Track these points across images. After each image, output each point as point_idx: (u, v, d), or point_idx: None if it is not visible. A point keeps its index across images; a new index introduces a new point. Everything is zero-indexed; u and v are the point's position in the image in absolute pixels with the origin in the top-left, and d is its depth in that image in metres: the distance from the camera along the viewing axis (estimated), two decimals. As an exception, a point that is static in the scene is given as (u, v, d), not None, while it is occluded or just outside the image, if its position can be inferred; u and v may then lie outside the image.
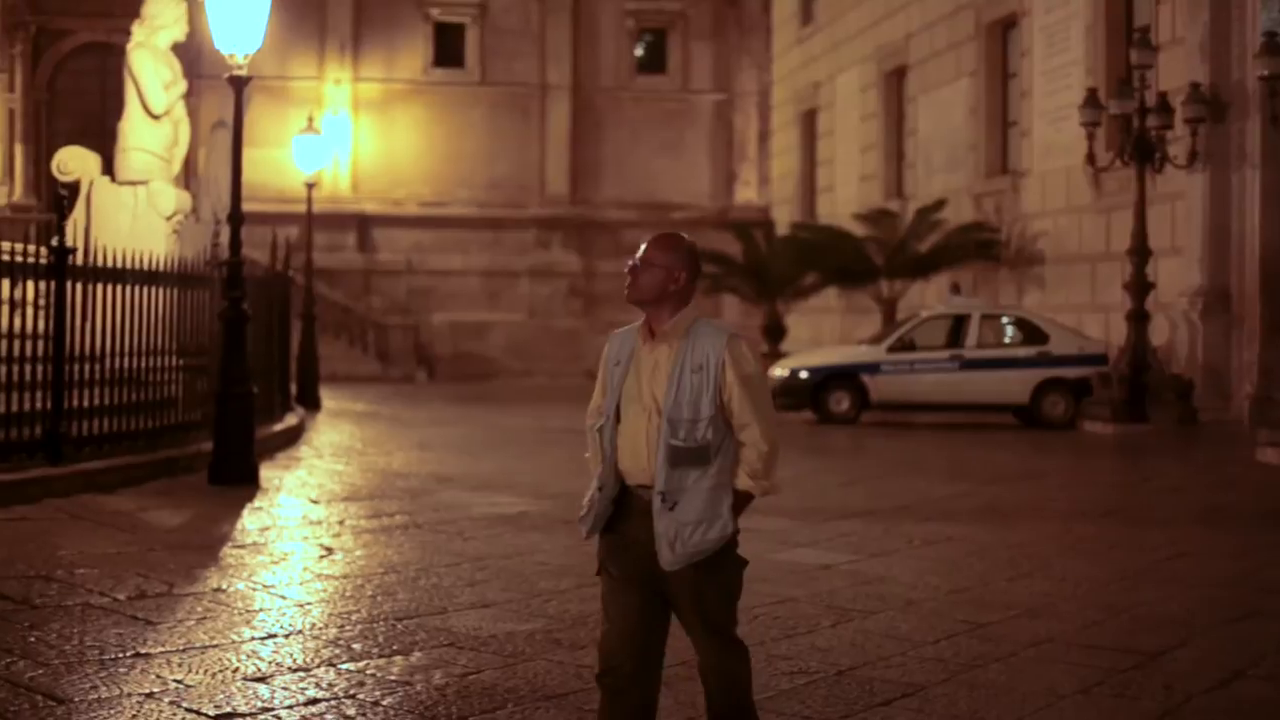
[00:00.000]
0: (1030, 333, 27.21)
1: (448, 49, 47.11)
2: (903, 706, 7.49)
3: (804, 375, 27.64)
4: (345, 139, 45.70)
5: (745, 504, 5.82)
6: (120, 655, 8.24)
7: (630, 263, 5.81)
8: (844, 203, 40.92)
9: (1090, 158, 27.30)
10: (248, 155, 17.07)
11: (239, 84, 16.07)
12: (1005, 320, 27.99)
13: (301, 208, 32.53)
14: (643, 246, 5.84)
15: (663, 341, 5.78)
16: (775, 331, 37.85)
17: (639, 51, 48.62)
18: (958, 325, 27.31)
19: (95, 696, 7.40)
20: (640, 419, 5.77)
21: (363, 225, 45.83)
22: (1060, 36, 31.23)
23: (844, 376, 27.23)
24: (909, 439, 25.10)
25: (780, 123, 47.68)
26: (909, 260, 33.71)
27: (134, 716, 7.06)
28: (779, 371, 28.01)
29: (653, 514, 5.71)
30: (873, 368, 27.01)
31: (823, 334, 40.81)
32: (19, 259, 14.94)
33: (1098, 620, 9.66)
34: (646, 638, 5.89)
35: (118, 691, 7.50)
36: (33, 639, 8.56)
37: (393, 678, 7.90)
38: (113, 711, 7.15)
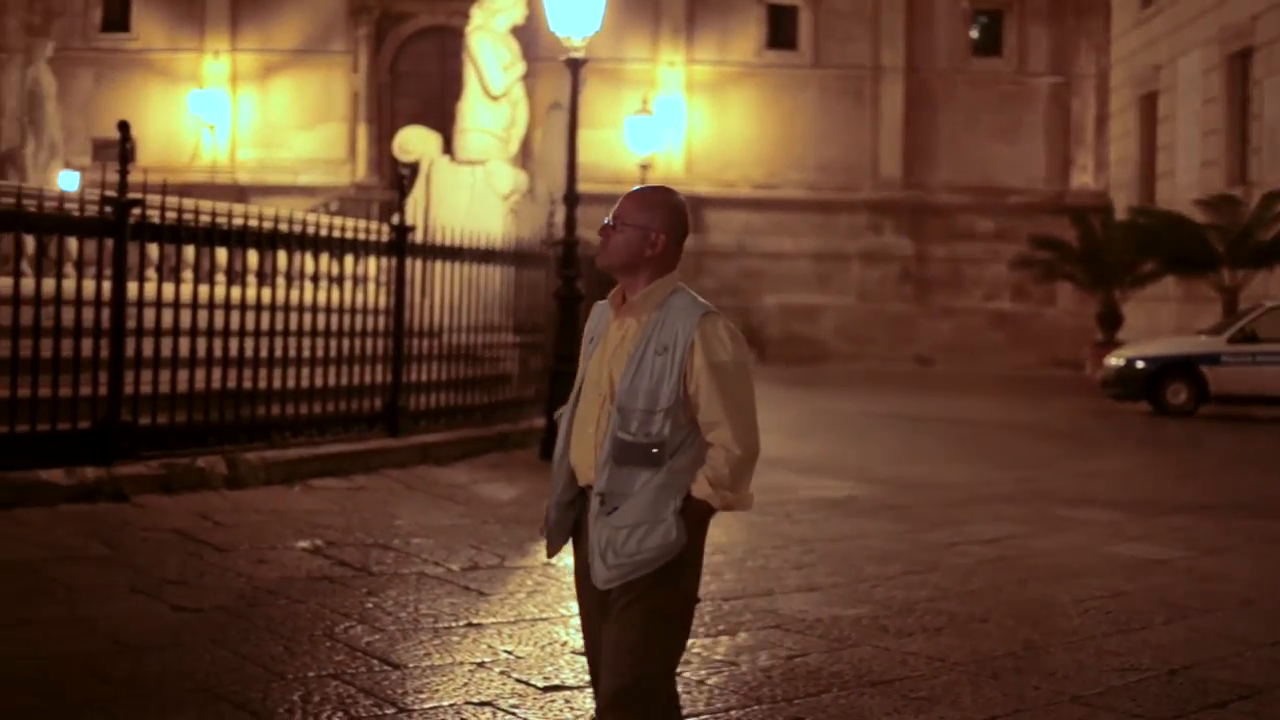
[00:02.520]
0: (1385, 325, 26.09)
1: (781, 31, 47.05)
2: (1238, 710, 7.23)
3: (1140, 365, 26.97)
4: (678, 121, 45.98)
5: (701, 515, 4.79)
6: (453, 624, 8.41)
7: (604, 221, 4.96)
8: (1184, 188, 39.73)
9: None
10: (582, 136, 17.26)
11: (575, 66, 16.28)
12: (1360, 312, 26.85)
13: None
14: (618, 202, 4.99)
15: (631, 314, 4.91)
16: (1110, 320, 37.02)
17: (974, 33, 47.91)
18: (1306, 317, 26.34)
19: (429, 664, 7.56)
20: (593, 405, 4.89)
21: (694, 207, 46.01)
22: None
23: (1182, 367, 26.49)
24: (1249, 434, 24.31)
25: (1118, 106, 46.52)
26: (1253, 249, 32.56)
27: (465, 685, 7.19)
28: (1114, 360, 27.39)
29: (588, 521, 4.84)
30: (1213, 358, 26.20)
31: (1159, 323, 39.73)
32: (361, 236, 15.35)
33: None
34: None
35: (450, 659, 7.65)
36: (370, 605, 8.79)
37: (718, 657, 7.91)
38: (445, 679, 7.30)
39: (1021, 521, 13.08)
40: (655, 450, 4.74)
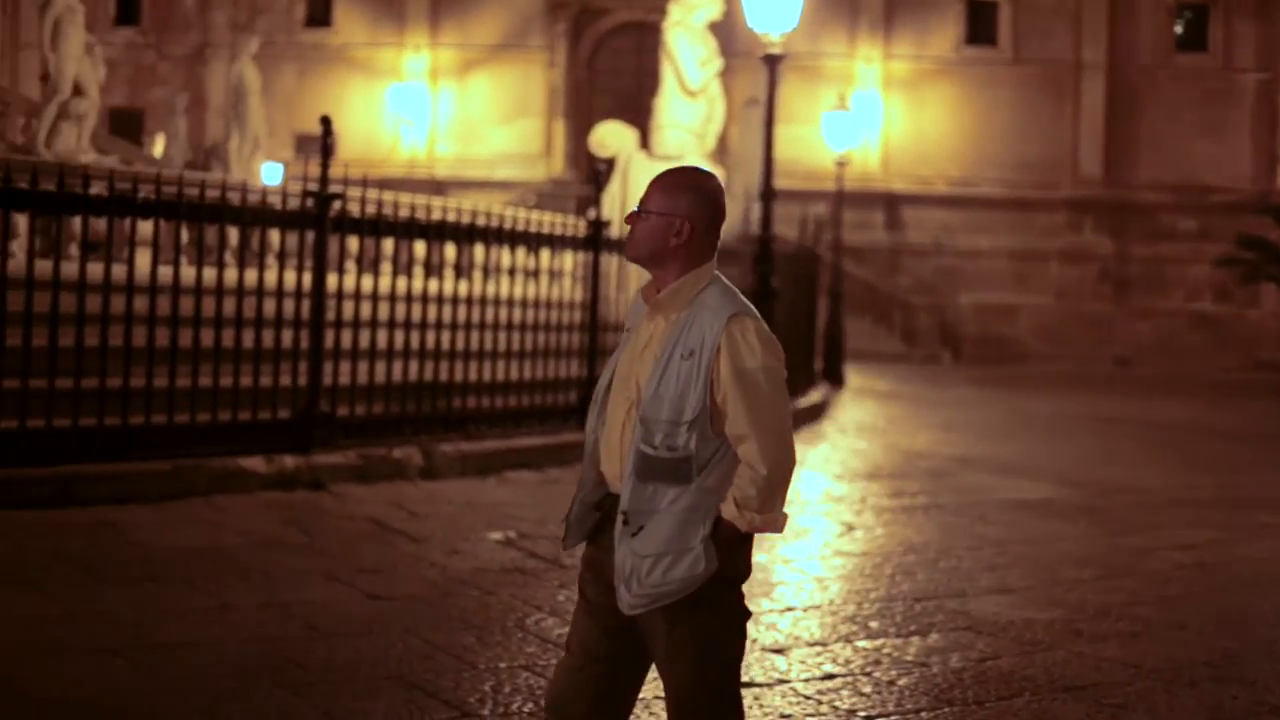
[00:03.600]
0: None
1: (980, 26, 46.53)
2: None
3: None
4: (874, 117, 45.68)
5: (732, 540, 4.44)
6: (643, 619, 8.41)
7: (633, 209, 4.63)
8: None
9: None
10: (778, 132, 17.22)
11: (772, 62, 16.24)
12: None
13: (830, 185, 32.68)
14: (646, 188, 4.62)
15: (660, 312, 4.54)
16: (1317, 322, 36.14)
17: (1178, 29, 47.01)
18: None
19: (613, 656, 7.57)
20: (620, 409, 4.57)
21: (890, 204, 45.72)
22: None
23: None
24: None
25: (1329, 103, 45.42)
26: None
27: (656, 678, 7.18)
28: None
29: (614, 535, 4.55)
30: None
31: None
32: (558, 231, 15.44)
33: None
34: (608, 685, 4.68)
35: (640, 654, 7.66)
36: (561, 598, 8.83)
37: (909, 658, 7.84)
38: (635, 673, 7.31)
39: (1222, 527, 12.81)
40: (683, 466, 4.40)
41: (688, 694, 4.53)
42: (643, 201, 4.55)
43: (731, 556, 4.47)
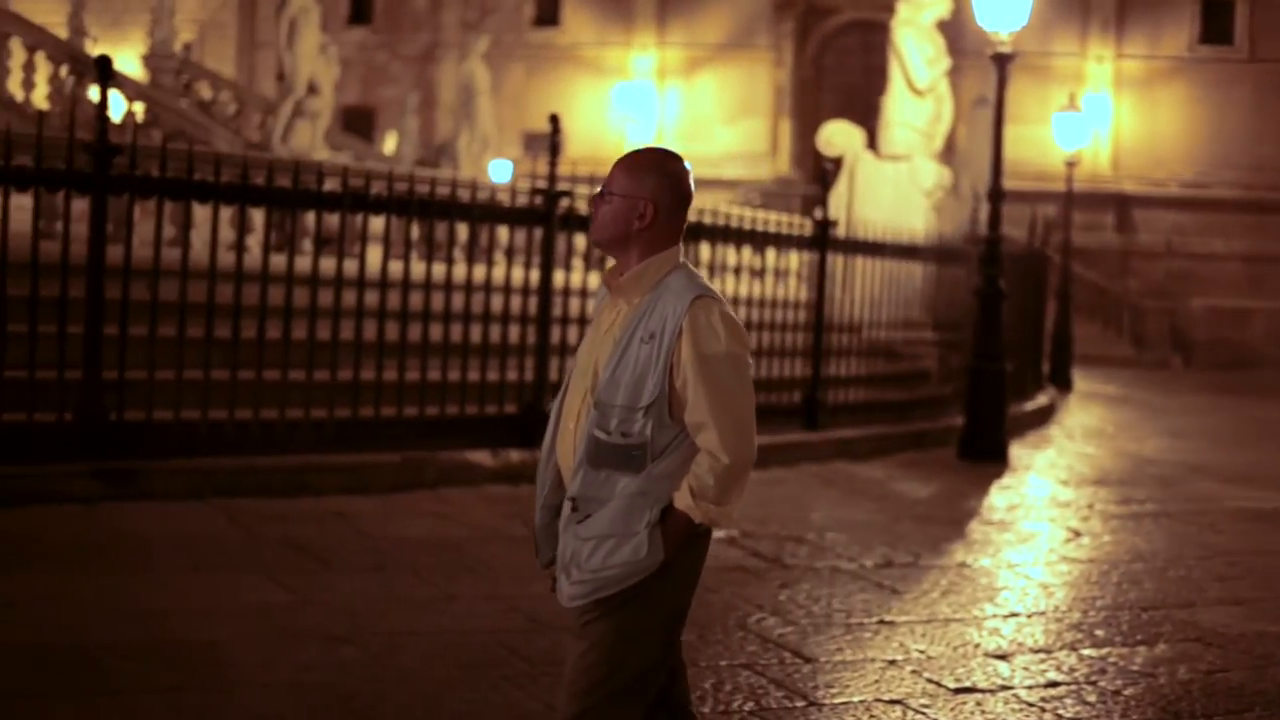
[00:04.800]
0: None
1: (1215, 25, 45.51)
2: None
3: None
4: (1105, 117, 44.92)
5: (682, 531, 4.21)
6: (865, 621, 8.39)
7: (597, 191, 4.43)
8: None
9: None
10: (1007, 132, 17.00)
11: (1001, 61, 16.05)
12: None
13: (1059, 186, 32.21)
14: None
15: (622, 296, 4.34)
16: None
17: None
18: None
19: (840, 659, 7.56)
20: (577, 398, 4.38)
21: (1121, 205, 44.90)
22: None
23: None
24: None
25: None
26: None
27: (876, 682, 7.16)
28: None
29: (559, 528, 4.37)
30: None
31: None
32: (783, 230, 15.42)
33: None
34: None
35: (861, 656, 7.63)
36: (783, 597, 8.83)
37: (1135, 668, 7.71)
38: (855, 674, 7.29)
39: None
40: (636, 453, 4.20)
41: (583, 688, 4.27)
42: (605, 183, 4.36)
43: (682, 550, 4.25)
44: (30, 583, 8.18)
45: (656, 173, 4.32)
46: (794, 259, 16.36)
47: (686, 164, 4.43)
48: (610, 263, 4.46)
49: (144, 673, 6.70)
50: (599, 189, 4.39)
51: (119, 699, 6.37)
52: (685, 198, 4.37)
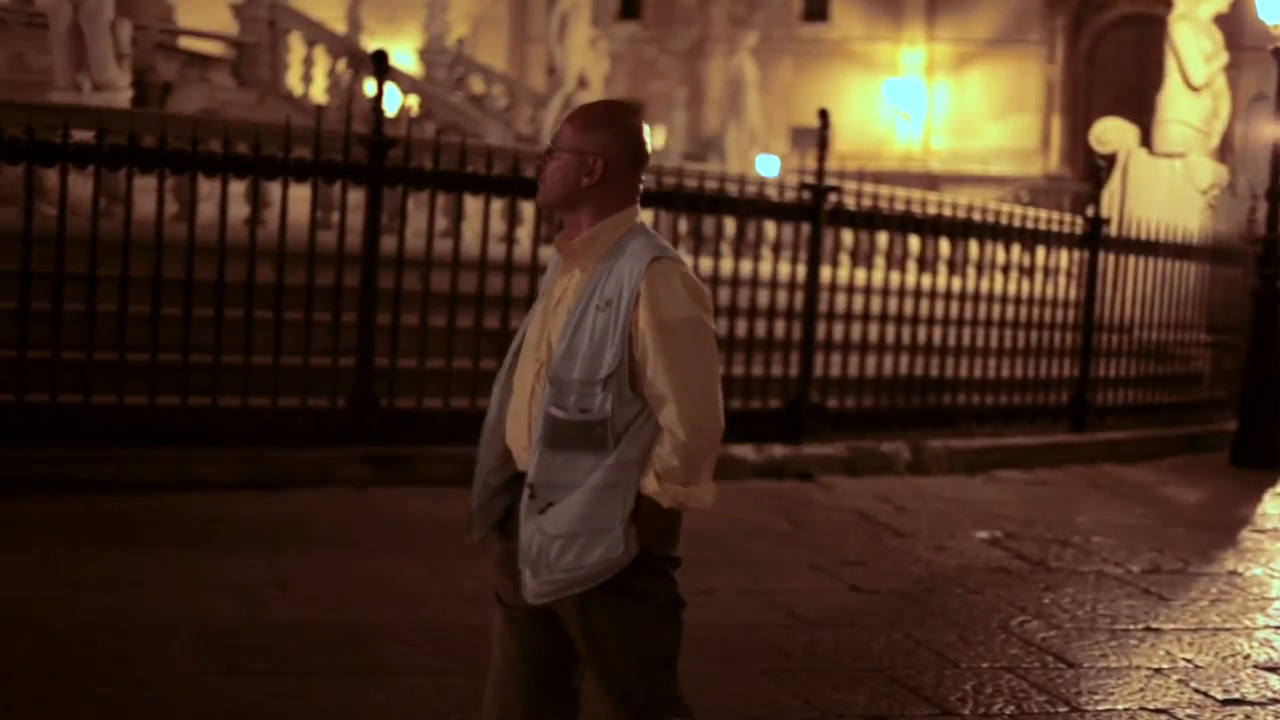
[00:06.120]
0: None
1: None
2: None
3: None
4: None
5: (654, 518, 3.95)
6: (1130, 627, 8.24)
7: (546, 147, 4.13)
8: None
9: None
10: (1291, 130, 16.52)
11: (1283, 56, 15.62)
12: None
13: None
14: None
15: (575, 262, 4.06)
16: None
17: None
18: None
19: (1104, 665, 7.43)
20: (529, 373, 4.10)
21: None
22: None
23: None
24: None
25: None
26: None
27: (1140, 690, 7.03)
28: None
29: (519, 514, 4.06)
30: None
31: None
32: (1053, 228, 15.20)
33: None
34: (538, 701, 4.24)
35: (1126, 663, 7.50)
36: (1046, 601, 8.71)
37: None
38: (1120, 681, 7.16)
39: None
40: (598, 430, 3.91)
41: (627, 686, 4.08)
42: (554, 139, 4.08)
43: (654, 537, 4.01)
44: (302, 563, 8.42)
45: (607, 126, 4.03)
46: (1064, 257, 16.11)
47: (643, 119, 4.16)
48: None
49: (409, 654, 6.85)
50: (548, 146, 4.12)
51: (385, 679, 6.52)
52: (639, 154, 4.08)
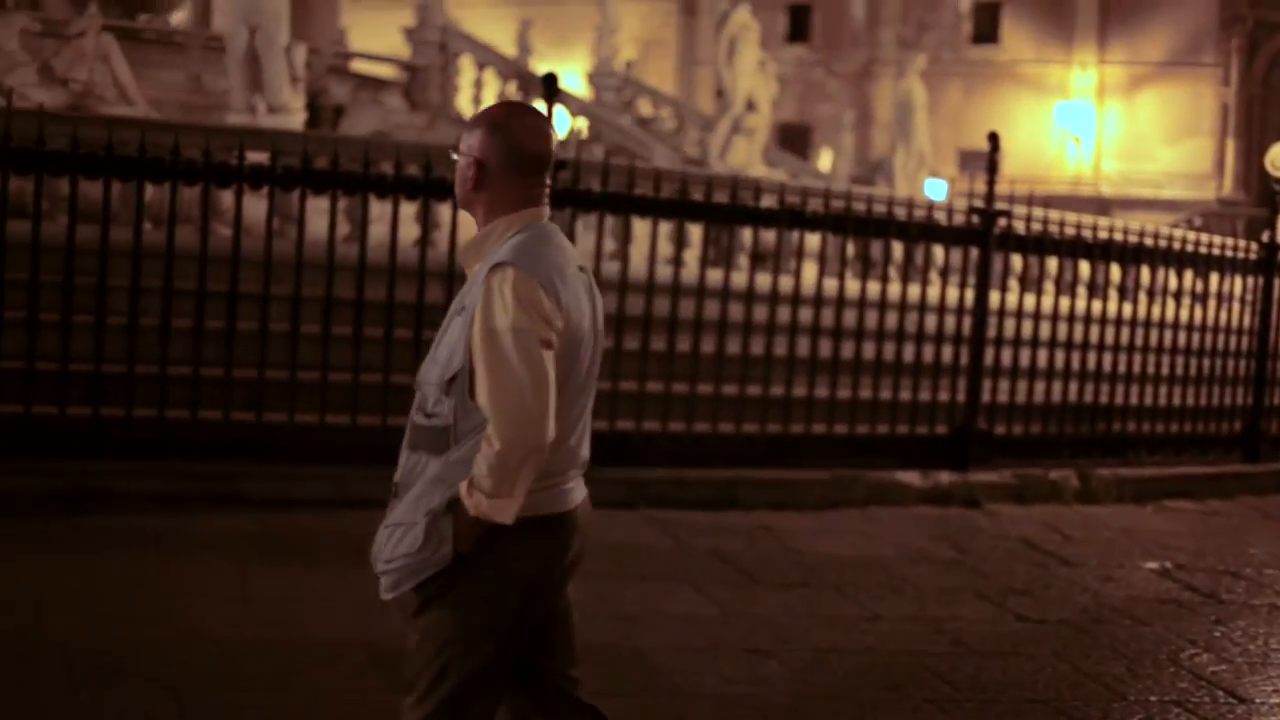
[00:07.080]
0: None
1: None
2: None
3: None
4: None
5: (470, 523, 3.83)
6: (1306, 662, 8.07)
7: None
8: None
9: None
10: None
11: None
12: None
13: None
14: None
15: (464, 264, 4.08)
16: None
17: None
18: None
19: (1276, 701, 7.31)
20: None
21: None
22: None
23: None
24: None
25: None
26: None
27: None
28: None
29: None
30: None
31: None
32: (1227, 253, 14.94)
33: None
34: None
35: (1302, 699, 7.36)
36: (1217, 634, 8.56)
37: None
38: (1295, 719, 7.03)
39: None
40: (442, 436, 3.89)
41: (415, 697, 4.00)
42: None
43: (470, 545, 3.87)
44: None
45: (485, 128, 3.97)
46: (1237, 283, 15.82)
47: (538, 120, 4.09)
48: None
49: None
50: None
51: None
52: (524, 157, 3.97)
